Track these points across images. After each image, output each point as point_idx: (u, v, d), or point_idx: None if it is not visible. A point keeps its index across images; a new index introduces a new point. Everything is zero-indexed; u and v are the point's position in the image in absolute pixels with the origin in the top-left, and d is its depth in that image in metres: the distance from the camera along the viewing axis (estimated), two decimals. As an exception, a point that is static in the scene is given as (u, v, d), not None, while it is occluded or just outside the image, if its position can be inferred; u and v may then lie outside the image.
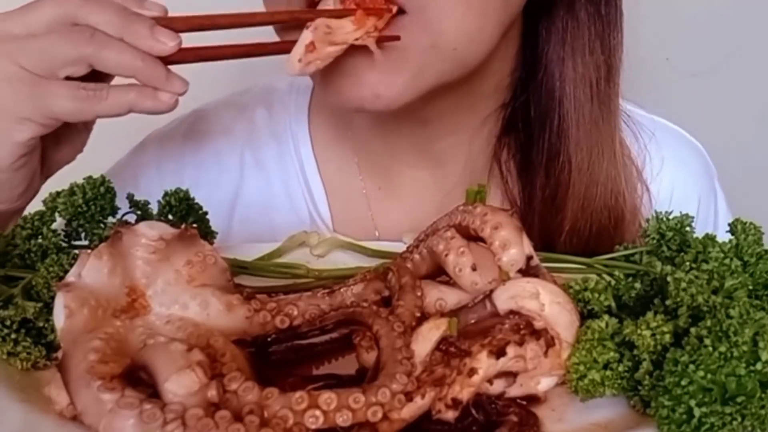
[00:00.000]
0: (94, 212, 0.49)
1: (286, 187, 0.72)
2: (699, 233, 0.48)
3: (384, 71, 0.52)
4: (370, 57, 0.51)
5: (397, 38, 0.52)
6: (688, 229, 0.48)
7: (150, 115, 0.48)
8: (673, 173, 0.72)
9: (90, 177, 0.50)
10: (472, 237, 0.44)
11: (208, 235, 0.55)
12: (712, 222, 0.75)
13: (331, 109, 0.71)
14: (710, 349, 0.36)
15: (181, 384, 0.34)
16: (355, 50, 0.51)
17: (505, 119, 0.67)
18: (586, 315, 0.43)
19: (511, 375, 0.40)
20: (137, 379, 0.36)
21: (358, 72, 0.53)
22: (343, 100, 0.55)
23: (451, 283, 0.44)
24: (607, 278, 0.46)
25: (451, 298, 0.43)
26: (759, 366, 0.36)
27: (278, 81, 0.76)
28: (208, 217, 0.55)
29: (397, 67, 0.53)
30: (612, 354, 0.40)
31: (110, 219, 0.50)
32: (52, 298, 0.41)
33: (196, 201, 0.54)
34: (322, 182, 0.71)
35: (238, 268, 0.52)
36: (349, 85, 0.53)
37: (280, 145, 0.73)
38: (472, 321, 0.41)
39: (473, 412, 0.39)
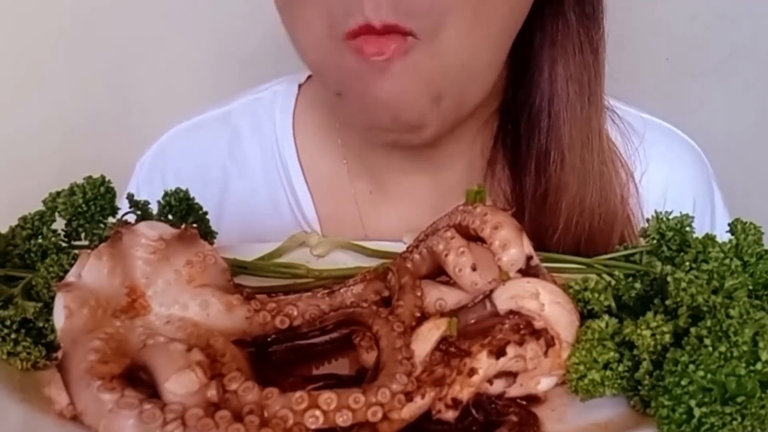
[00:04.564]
0: (94, 212, 0.49)
1: (272, 196, 0.72)
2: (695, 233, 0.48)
3: (415, 94, 0.52)
4: (399, 79, 0.51)
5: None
6: (688, 229, 0.48)
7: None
8: (666, 173, 0.72)
9: (90, 177, 0.50)
10: (472, 237, 0.44)
11: (208, 235, 0.55)
12: (709, 222, 0.74)
13: (320, 115, 0.72)
14: (710, 349, 0.36)
15: (180, 384, 0.34)
16: (386, 73, 0.51)
17: (498, 121, 0.67)
18: (586, 315, 0.43)
19: (511, 375, 0.40)
20: (137, 379, 0.36)
21: (390, 97, 0.52)
22: (379, 126, 0.55)
23: (451, 283, 0.44)
24: (607, 278, 0.46)
25: (451, 298, 0.43)
26: (759, 366, 0.36)
27: (261, 90, 0.76)
28: (208, 217, 0.55)
29: (421, 87, 0.52)
30: (612, 354, 0.40)
31: (110, 219, 0.50)
32: (52, 298, 0.41)
33: (196, 201, 0.54)
34: (309, 189, 0.71)
35: (238, 268, 0.52)
36: (384, 112, 0.53)
37: (264, 154, 0.73)
38: (472, 321, 0.41)
39: (473, 412, 0.39)
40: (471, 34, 0.51)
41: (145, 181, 0.76)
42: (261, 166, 0.73)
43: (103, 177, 0.50)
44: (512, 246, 0.42)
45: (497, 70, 0.58)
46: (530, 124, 0.64)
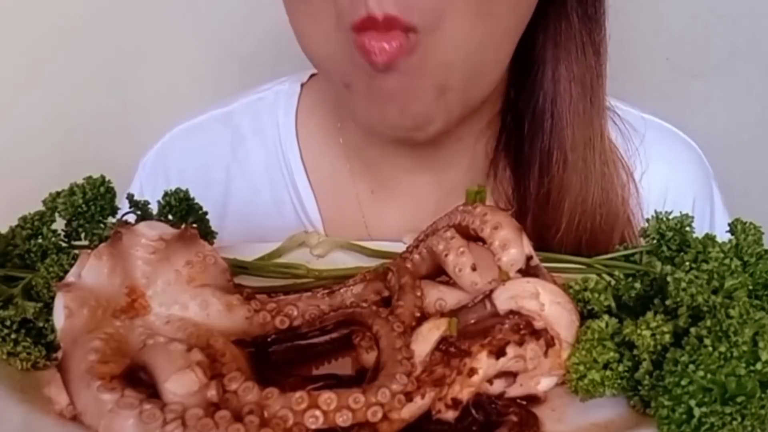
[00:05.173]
0: (94, 212, 0.49)
1: (275, 195, 0.72)
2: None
3: (422, 89, 0.53)
4: (407, 77, 0.52)
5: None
6: (688, 229, 0.48)
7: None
8: (667, 173, 0.72)
9: (90, 177, 0.50)
10: (472, 237, 0.44)
11: (208, 235, 0.55)
12: (708, 222, 0.75)
13: (323, 115, 0.72)
14: (710, 349, 0.36)
15: (180, 384, 0.34)
16: (391, 72, 0.51)
17: (501, 122, 0.67)
18: (586, 315, 0.43)
19: (511, 375, 0.40)
20: (137, 379, 0.36)
21: (399, 94, 0.53)
22: (389, 123, 0.55)
23: (451, 283, 0.44)
24: (607, 278, 0.46)
25: (451, 298, 0.43)
26: (759, 366, 0.36)
27: (263, 90, 0.76)
28: (208, 217, 0.55)
29: (427, 84, 0.53)
30: (612, 354, 0.40)
31: (110, 219, 0.50)
32: (52, 298, 0.41)
33: (196, 201, 0.54)
34: (312, 189, 0.72)
35: (238, 268, 0.52)
36: (392, 108, 0.54)
37: (267, 155, 0.73)
38: (472, 321, 0.41)
39: (473, 412, 0.39)
40: (473, 28, 0.51)
41: (148, 180, 0.76)
42: (264, 167, 0.73)
43: (103, 177, 0.50)
44: (512, 246, 0.42)
45: (503, 66, 0.58)
46: (533, 125, 0.64)
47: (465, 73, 0.54)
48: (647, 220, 0.50)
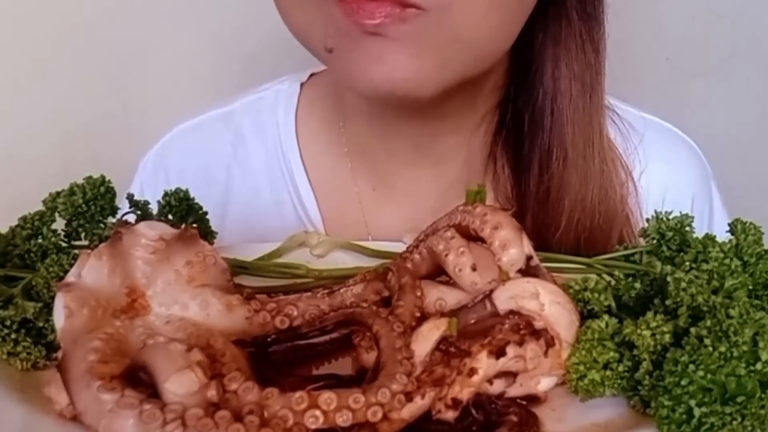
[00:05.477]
0: (94, 212, 0.49)
1: (276, 195, 0.73)
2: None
3: (408, 55, 0.50)
4: (393, 42, 0.50)
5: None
6: (688, 229, 0.48)
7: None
8: (666, 172, 0.72)
9: (90, 177, 0.50)
10: (472, 237, 0.44)
11: (208, 235, 0.55)
12: (707, 222, 0.75)
13: (323, 114, 0.72)
14: (710, 349, 0.36)
15: (180, 384, 0.34)
16: (378, 36, 0.49)
17: (498, 118, 0.67)
18: (586, 315, 0.43)
19: (511, 375, 0.40)
20: (137, 379, 0.36)
21: (383, 55, 0.50)
22: (373, 84, 0.52)
23: (451, 283, 0.44)
24: (607, 278, 0.46)
25: (451, 298, 0.43)
26: (759, 366, 0.36)
27: (263, 89, 0.76)
28: (208, 217, 0.55)
29: (420, 52, 0.50)
30: (612, 354, 0.40)
31: (110, 219, 0.50)
32: (52, 298, 0.41)
33: (196, 201, 0.54)
34: (312, 189, 0.72)
35: (238, 268, 0.52)
36: (377, 69, 0.51)
37: (267, 154, 0.73)
38: (472, 321, 0.41)
39: (473, 412, 0.39)
40: (490, 7, 0.50)
41: (148, 180, 0.76)
42: (264, 166, 0.73)
43: (103, 177, 0.50)
44: (512, 246, 0.42)
45: (506, 46, 0.57)
46: (533, 122, 0.64)
47: (467, 50, 0.52)
48: (647, 220, 0.50)
